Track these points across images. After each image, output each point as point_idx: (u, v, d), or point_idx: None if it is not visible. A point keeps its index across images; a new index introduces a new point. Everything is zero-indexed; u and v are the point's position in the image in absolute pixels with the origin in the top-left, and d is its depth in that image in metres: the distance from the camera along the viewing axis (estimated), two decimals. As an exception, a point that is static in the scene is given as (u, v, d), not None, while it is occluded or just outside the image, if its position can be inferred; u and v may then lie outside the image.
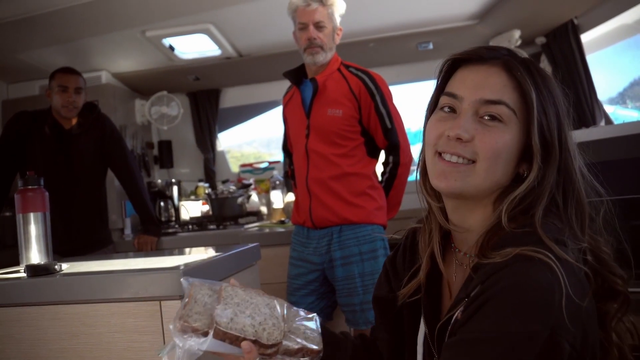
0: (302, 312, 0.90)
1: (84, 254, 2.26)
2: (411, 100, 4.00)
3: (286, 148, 2.29)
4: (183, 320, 0.80)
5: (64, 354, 1.18)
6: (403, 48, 3.17)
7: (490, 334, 0.67)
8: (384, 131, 1.97)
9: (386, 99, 1.97)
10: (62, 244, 2.23)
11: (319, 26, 1.95)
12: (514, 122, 0.78)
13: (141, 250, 2.48)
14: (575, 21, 2.82)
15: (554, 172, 0.76)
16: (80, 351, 1.17)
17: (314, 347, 0.85)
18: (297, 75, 2.06)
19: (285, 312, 0.87)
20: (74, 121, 2.40)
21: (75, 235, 2.32)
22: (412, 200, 3.02)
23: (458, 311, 0.74)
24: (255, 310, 0.83)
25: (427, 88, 3.65)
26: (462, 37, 3.03)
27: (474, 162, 0.78)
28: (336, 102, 1.95)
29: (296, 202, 2.10)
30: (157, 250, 2.48)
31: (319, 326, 0.90)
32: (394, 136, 1.98)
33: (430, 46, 3.12)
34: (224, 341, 0.79)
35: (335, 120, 1.93)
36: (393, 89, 3.71)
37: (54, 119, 2.37)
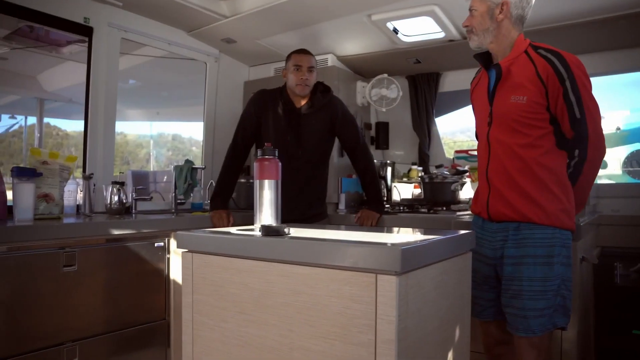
0: None
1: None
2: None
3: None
4: None
5: (286, 307, 1.31)
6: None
7: None
8: (571, 121, 1.74)
9: (578, 85, 1.72)
10: (283, 215, 2.47)
11: (471, 13, 1.90)
12: None
13: (362, 224, 2.58)
14: None
15: None
16: (300, 308, 1.28)
17: None
18: (487, 59, 1.93)
19: None
20: (305, 101, 2.59)
21: (296, 208, 2.51)
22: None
23: None
24: None
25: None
26: None
27: None
28: (520, 87, 1.77)
29: (476, 190, 2.00)
30: (376, 227, 2.56)
31: None
32: (582, 127, 1.74)
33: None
34: None
35: (518, 107, 1.77)
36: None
37: (287, 97, 2.60)
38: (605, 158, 2.01)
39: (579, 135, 1.76)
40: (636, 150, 3.42)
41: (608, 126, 3.73)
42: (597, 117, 1.78)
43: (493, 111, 1.86)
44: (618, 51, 3.01)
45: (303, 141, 2.55)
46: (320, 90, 2.63)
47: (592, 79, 1.82)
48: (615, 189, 3.10)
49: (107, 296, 2.23)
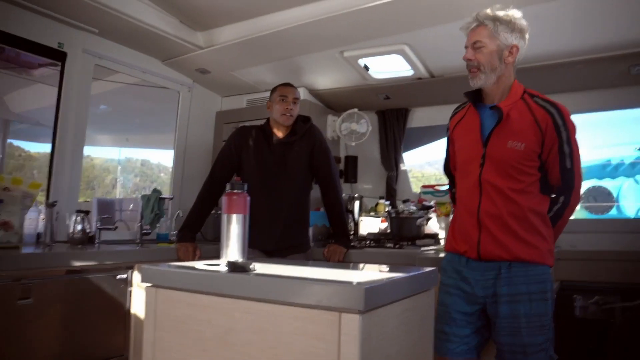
0: None
1: (285, 255, 2.48)
2: (613, 127, 3.57)
3: (449, 170, 2.17)
4: None
5: (250, 344, 1.30)
6: (613, 71, 2.85)
7: None
8: (561, 170, 1.81)
9: (571, 137, 1.81)
10: (267, 244, 2.48)
11: (475, 46, 1.85)
12: None
13: (330, 259, 2.60)
14: None
15: None
16: (264, 346, 1.27)
17: None
18: (475, 97, 1.95)
19: None
20: (287, 132, 2.63)
21: (279, 238, 2.52)
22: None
23: None
24: None
25: (638, 115, 3.23)
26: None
27: None
28: (519, 134, 1.80)
29: (457, 229, 1.98)
30: (343, 262, 2.58)
31: None
32: (571, 177, 1.82)
33: (646, 69, 2.76)
34: None
35: (515, 153, 1.80)
36: (597, 115, 3.42)
37: (270, 130, 2.63)
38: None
39: (567, 184, 1.83)
40: (592, 187, 3.54)
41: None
42: (580, 166, 1.85)
43: (487, 153, 1.86)
44: (575, 93, 3.15)
45: (287, 170, 2.57)
46: (301, 120, 2.68)
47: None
48: (572, 224, 3.19)
49: (64, 331, 2.15)
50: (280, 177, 2.55)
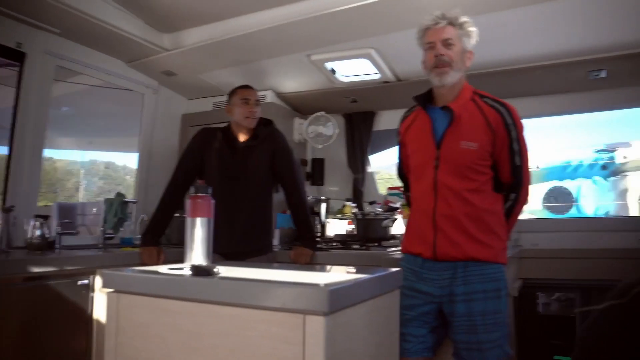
0: None
1: (244, 258, 2.43)
2: (573, 130, 3.68)
3: (402, 174, 2.21)
4: None
5: (215, 348, 1.28)
6: (572, 76, 2.95)
7: None
8: (512, 168, 1.87)
9: (519, 135, 1.87)
10: (226, 247, 2.44)
11: (447, 43, 1.85)
12: None
13: (296, 262, 2.58)
14: None
15: None
16: (229, 350, 1.26)
17: None
18: (424, 101, 1.98)
19: None
20: (249, 135, 2.60)
21: (239, 241, 2.49)
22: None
23: None
24: None
25: (595, 119, 3.37)
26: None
27: None
28: (471, 134, 1.84)
29: (412, 231, 2.00)
30: (309, 265, 2.56)
31: None
32: (520, 174, 1.88)
33: (604, 74, 2.86)
34: None
35: (468, 153, 1.84)
36: (557, 119, 3.54)
37: (232, 133, 2.60)
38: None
39: (517, 180, 1.89)
40: (553, 187, 3.64)
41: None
42: (529, 163, 1.91)
43: (441, 155, 1.87)
44: (535, 97, 3.26)
45: (248, 174, 2.54)
46: (263, 124, 2.65)
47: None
48: (535, 223, 3.30)
49: (22, 340, 2.08)
50: (241, 181, 2.53)
